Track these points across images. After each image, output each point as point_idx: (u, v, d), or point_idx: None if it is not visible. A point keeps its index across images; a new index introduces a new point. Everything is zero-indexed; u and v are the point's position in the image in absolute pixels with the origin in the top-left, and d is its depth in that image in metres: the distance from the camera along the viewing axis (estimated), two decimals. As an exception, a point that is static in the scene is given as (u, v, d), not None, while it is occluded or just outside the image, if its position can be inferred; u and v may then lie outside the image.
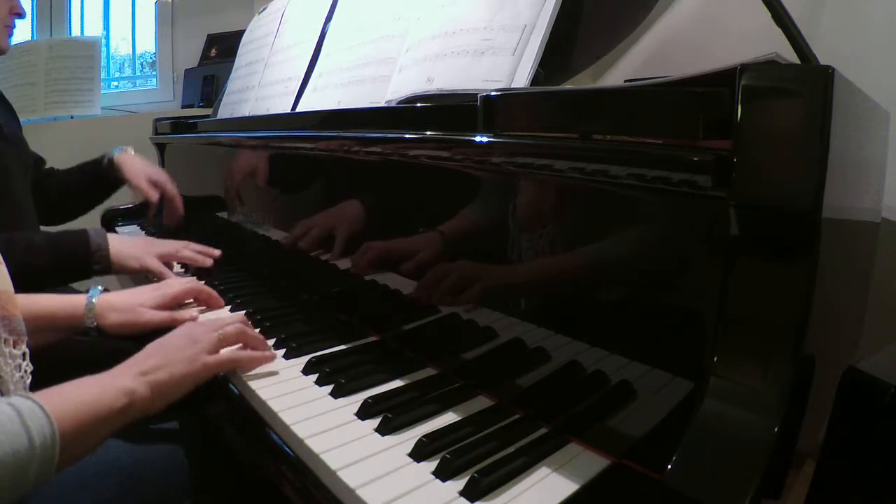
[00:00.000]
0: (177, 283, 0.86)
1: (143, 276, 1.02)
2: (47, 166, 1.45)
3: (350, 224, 0.83)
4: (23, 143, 1.31)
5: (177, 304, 0.85)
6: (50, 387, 0.53)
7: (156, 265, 0.97)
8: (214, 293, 0.88)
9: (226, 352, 0.67)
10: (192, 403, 0.65)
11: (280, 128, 1.02)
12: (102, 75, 2.19)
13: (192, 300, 0.88)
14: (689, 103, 0.44)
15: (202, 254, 1.04)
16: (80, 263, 0.94)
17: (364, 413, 0.57)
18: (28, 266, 0.87)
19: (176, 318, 0.80)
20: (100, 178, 1.37)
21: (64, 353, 0.75)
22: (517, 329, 0.59)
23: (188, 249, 1.02)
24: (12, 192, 1.16)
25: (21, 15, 1.21)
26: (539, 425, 0.55)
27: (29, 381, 0.59)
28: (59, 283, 0.99)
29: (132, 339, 0.76)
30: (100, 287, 0.81)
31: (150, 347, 0.64)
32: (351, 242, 0.81)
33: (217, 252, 1.06)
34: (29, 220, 1.21)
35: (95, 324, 0.76)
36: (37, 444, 0.46)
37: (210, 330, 0.68)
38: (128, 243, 1.00)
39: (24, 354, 0.58)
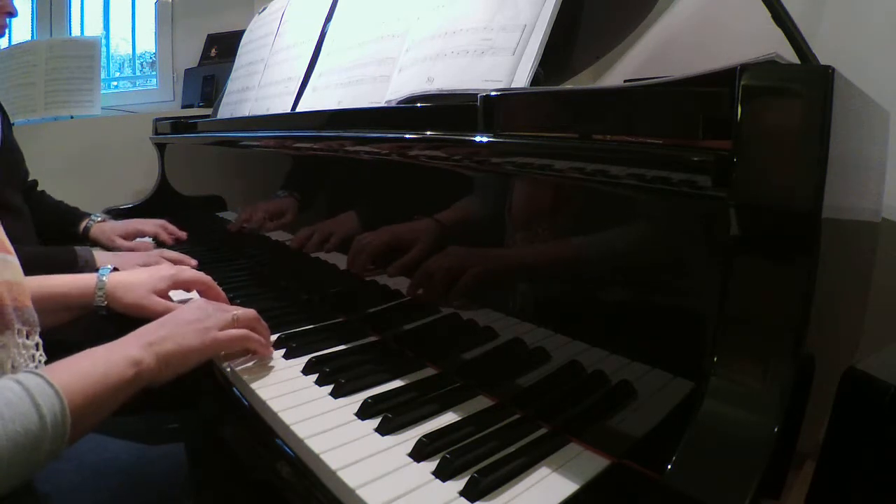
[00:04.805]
0: (190, 272, 0.85)
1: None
2: (39, 188, 1.43)
3: (350, 224, 0.83)
4: (15, 148, 1.29)
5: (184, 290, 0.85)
6: None
7: None
8: (223, 293, 0.87)
9: (236, 330, 0.67)
10: (193, 402, 0.65)
11: (280, 128, 1.02)
12: (102, 75, 2.18)
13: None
14: (689, 103, 0.44)
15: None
16: None
17: (364, 413, 0.58)
18: None
19: None
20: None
21: (81, 346, 0.75)
22: (517, 329, 0.59)
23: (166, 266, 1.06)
24: (4, 198, 1.15)
25: (13, 14, 1.19)
26: (539, 425, 0.55)
27: None
28: None
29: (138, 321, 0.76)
30: (109, 266, 0.80)
31: (161, 319, 0.65)
32: (351, 242, 0.81)
33: (193, 262, 1.09)
34: (29, 229, 1.21)
35: (106, 303, 0.76)
36: (48, 422, 0.46)
37: (222, 310, 0.69)
38: (111, 256, 1.09)
39: (37, 345, 0.58)
